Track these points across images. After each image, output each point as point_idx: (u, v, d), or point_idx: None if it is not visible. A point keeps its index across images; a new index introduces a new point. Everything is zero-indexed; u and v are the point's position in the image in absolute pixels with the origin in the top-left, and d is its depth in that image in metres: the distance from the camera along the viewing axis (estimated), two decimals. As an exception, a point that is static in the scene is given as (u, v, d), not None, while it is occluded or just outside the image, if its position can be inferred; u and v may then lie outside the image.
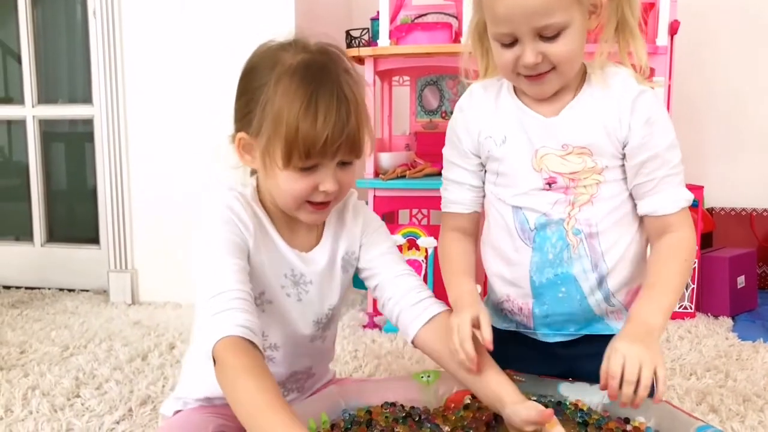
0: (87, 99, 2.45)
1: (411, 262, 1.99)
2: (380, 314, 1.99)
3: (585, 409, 0.94)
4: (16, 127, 2.64)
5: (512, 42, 0.88)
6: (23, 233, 2.61)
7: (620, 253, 0.96)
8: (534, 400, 0.96)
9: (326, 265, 1.00)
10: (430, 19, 2.19)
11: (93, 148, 2.42)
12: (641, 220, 0.98)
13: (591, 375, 0.95)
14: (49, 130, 2.60)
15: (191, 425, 0.96)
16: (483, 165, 1.03)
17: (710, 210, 2.45)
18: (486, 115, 1.00)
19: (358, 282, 1.09)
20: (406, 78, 2.38)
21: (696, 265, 2.05)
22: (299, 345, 1.01)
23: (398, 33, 2.04)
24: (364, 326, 1.96)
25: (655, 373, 0.81)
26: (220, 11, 2.17)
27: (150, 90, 2.27)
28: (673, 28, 1.90)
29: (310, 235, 1.00)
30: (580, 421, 0.90)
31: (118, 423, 1.30)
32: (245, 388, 0.75)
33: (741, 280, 2.12)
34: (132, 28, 2.26)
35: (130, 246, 2.34)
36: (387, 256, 1.03)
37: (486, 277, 1.09)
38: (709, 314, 2.07)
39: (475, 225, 1.07)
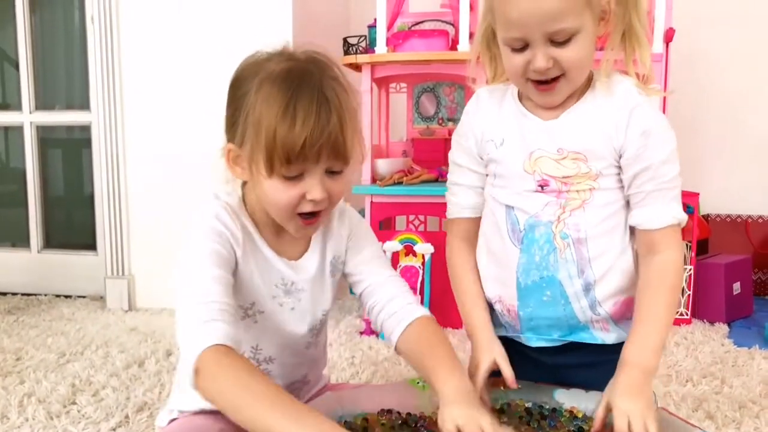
0: (84, 105, 2.45)
1: (408, 269, 2.00)
2: (377, 320, 1.99)
3: (580, 416, 0.94)
4: (13, 133, 2.64)
5: (523, 47, 0.89)
6: (20, 239, 2.61)
7: (610, 262, 0.96)
8: (529, 407, 0.96)
9: (316, 271, 1.00)
10: (426, 26, 2.20)
11: (90, 154, 2.42)
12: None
13: (577, 385, 0.98)
14: (47, 136, 2.60)
15: (196, 429, 0.95)
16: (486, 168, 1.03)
17: (706, 217, 2.45)
18: (489, 119, 1.01)
19: (354, 288, 1.09)
20: (403, 85, 2.39)
21: (692, 271, 2.06)
22: (294, 354, 1.01)
23: (395, 40, 2.05)
24: (361, 333, 1.96)
25: None
26: (218, 18, 2.17)
27: (147, 96, 2.27)
28: (669, 36, 1.91)
29: (299, 243, 0.99)
30: (576, 429, 0.90)
31: (114, 430, 1.30)
32: (249, 384, 0.75)
33: (737, 287, 2.12)
34: (130, 34, 2.26)
35: (127, 252, 2.34)
36: (372, 262, 1.03)
37: None
38: (704, 320, 2.07)
39: (477, 231, 1.06)
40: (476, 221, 1.05)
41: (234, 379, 0.76)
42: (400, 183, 2.02)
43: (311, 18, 2.30)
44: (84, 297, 2.45)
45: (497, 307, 1.05)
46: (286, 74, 0.85)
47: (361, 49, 2.10)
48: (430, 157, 2.21)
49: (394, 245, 1.94)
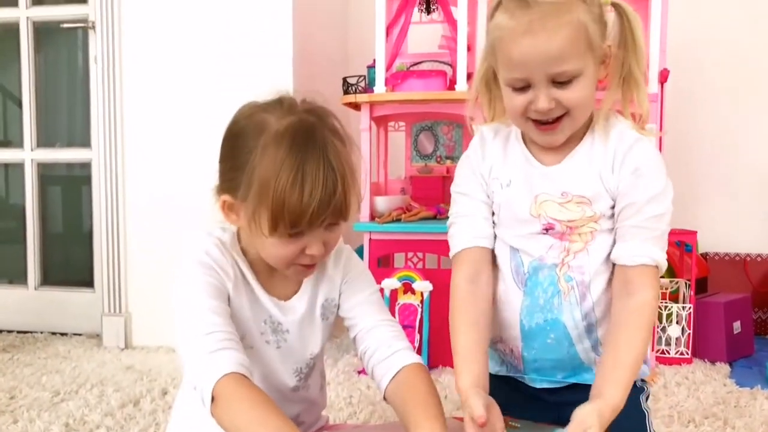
0: (85, 143, 2.47)
1: (406, 306, 1.99)
2: (375, 359, 1.97)
3: None
4: (14, 169, 2.66)
5: (525, 87, 0.89)
6: (17, 276, 2.60)
7: (611, 303, 0.95)
8: None
9: (304, 313, 0.99)
10: (425, 66, 2.24)
11: (89, 192, 2.43)
12: None
13: None
14: (47, 173, 2.62)
15: None
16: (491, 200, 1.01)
17: (704, 255, 2.46)
18: (495, 158, 1.00)
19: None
20: (402, 123, 2.42)
21: (691, 310, 2.05)
22: (281, 395, 0.99)
23: (394, 80, 2.08)
24: (359, 372, 1.94)
25: None
26: (219, 60, 2.21)
27: (148, 135, 2.29)
28: (663, 76, 1.94)
29: (290, 283, 0.99)
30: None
31: (107, 471, 1.28)
32: (266, 420, 0.77)
33: (737, 326, 2.11)
34: (132, 74, 2.29)
35: (125, 289, 2.33)
36: (365, 306, 1.01)
37: None
38: (705, 360, 2.06)
39: (488, 262, 1.00)
40: (486, 252, 0.99)
41: (249, 410, 0.78)
42: (398, 220, 2.02)
43: (311, 59, 2.34)
44: (80, 335, 2.43)
45: (499, 347, 1.04)
46: (292, 135, 0.86)
47: (360, 88, 2.13)
48: (429, 195, 2.22)
49: (392, 283, 1.94)
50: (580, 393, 0.97)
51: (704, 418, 1.54)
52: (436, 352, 1.91)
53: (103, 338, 2.32)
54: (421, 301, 1.93)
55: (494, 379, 1.03)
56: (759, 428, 1.48)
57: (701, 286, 2.28)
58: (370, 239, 2.02)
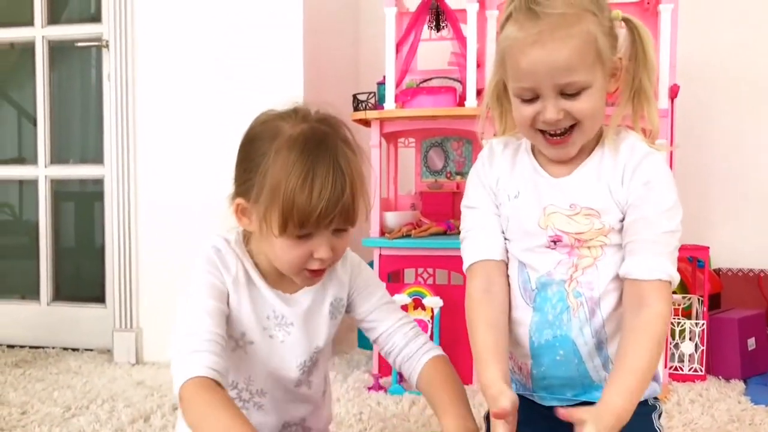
0: (98, 159, 2.49)
1: (417, 322, 1.98)
2: (386, 375, 1.96)
3: None
4: (27, 186, 2.68)
5: (533, 98, 0.89)
6: (30, 292, 2.61)
7: (621, 319, 0.93)
8: None
9: (309, 307, 1.02)
10: (434, 83, 2.25)
11: (102, 207, 2.45)
12: None
13: None
14: (60, 190, 2.64)
15: None
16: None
17: (717, 271, 2.43)
18: (503, 170, 1.00)
19: (363, 342, 1.10)
20: (412, 139, 2.43)
21: (704, 326, 2.03)
22: (285, 390, 1.02)
23: (404, 97, 2.09)
24: (369, 388, 1.93)
25: None
26: (231, 76, 2.23)
27: (160, 152, 2.31)
28: (674, 92, 1.94)
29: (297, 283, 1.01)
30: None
31: (117, 487, 1.28)
32: (216, 419, 0.80)
33: (752, 342, 2.09)
34: (145, 91, 2.32)
35: (136, 305, 2.34)
36: (382, 309, 1.07)
37: None
38: (720, 377, 2.03)
39: (501, 274, 1.00)
40: (499, 265, 0.99)
41: (201, 414, 0.82)
42: (408, 236, 2.02)
43: (321, 75, 2.36)
44: (91, 350, 2.44)
45: (509, 364, 1.02)
46: (304, 142, 0.90)
47: (370, 105, 2.14)
48: (439, 210, 2.22)
49: (402, 298, 1.93)
50: None
51: (719, 436, 1.52)
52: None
53: (114, 353, 2.32)
54: (432, 317, 1.93)
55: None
56: (775, 446, 1.46)
57: (714, 302, 2.26)
58: (380, 255, 2.02)
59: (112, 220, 2.35)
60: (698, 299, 2.07)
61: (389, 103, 2.05)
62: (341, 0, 2.74)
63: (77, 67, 2.71)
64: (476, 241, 1.01)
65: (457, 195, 2.24)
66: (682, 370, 2.03)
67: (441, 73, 2.28)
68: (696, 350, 2.03)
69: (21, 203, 2.79)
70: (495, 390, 0.89)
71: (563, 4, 0.86)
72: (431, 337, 1.90)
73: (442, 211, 2.21)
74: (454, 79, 2.22)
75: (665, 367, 1.91)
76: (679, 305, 2.07)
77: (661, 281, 0.89)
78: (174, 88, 2.29)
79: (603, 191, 0.93)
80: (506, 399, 0.87)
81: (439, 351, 1.05)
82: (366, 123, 2.08)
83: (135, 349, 2.31)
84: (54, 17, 2.55)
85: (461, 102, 2.06)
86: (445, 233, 2.06)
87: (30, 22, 2.53)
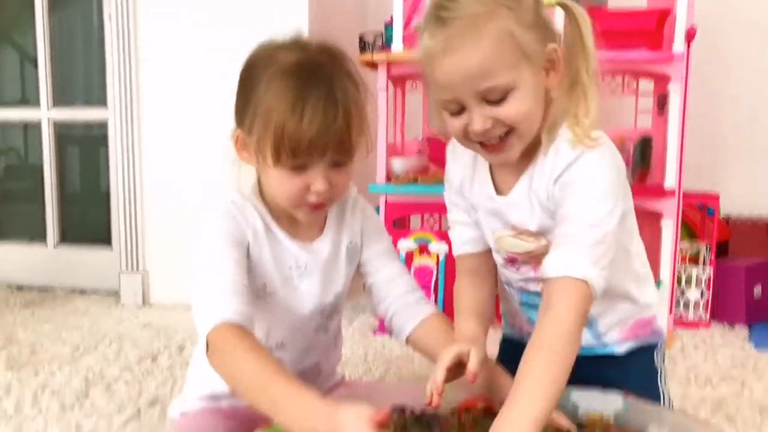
0: (102, 102, 2.46)
1: (422, 268, 1.98)
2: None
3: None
4: (31, 129, 2.67)
5: (459, 110, 0.84)
6: (36, 234, 2.62)
7: (605, 301, 0.92)
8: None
9: (329, 254, 1.01)
10: (444, 24, 2.19)
11: (107, 151, 2.43)
12: (622, 254, 0.90)
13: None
14: (64, 133, 2.62)
15: (200, 429, 0.96)
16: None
17: (726, 218, 2.41)
18: (465, 177, 0.98)
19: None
20: (420, 83, 2.38)
21: (711, 273, 2.03)
22: (304, 338, 1.01)
23: (412, 38, 2.04)
24: (375, 331, 1.94)
25: None
26: (234, 16, 2.18)
27: (164, 93, 2.28)
28: (690, 35, 1.88)
29: (313, 227, 1.01)
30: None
31: (126, 423, 1.30)
32: (248, 364, 0.78)
33: (758, 290, 2.08)
34: (147, 31, 2.27)
35: (142, 247, 2.35)
36: (382, 256, 1.05)
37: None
38: (724, 323, 2.04)
39: (488, 263, 1.01)
40: (481, 255, 1.00)
41: (231, 361, 0.80)
42: (415, 181, 2.00)
43: (327, 15, 2.30)
44: (98, 292, 2.46)
45: (508, 319, 1.07)
46: (297, 68, 0.87)
47: (377, 47, 2.09)
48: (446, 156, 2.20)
49: (408, 244, 1.93)
50: (590, 363, 0.94)
51: (721, 380, 1.53)
52: (452, 313, 1.90)
53: (121, 296, 2.35)
54: (437, 263, 1.92)
55: (508, 341, 1.07)
56: (777, 391, 1.47)
57: (722, 250, 2.25)
58: (386, 201, 2.00)
59: (116, 161, 2.34)
60: (706, 246, 2.06)
61: (397, 45, 2.00)
62: (348, -63, 2.65)
63: (78, 7, 2.65)
64: (456, 234, 1.02)
65: (464, 140, 2.21)
66: (687, 317, 2.04)
67: (450, 14, 2.22)
68: (701, 297, 2.03)
69: (26, 146, 2.78)
70: (464, 338, 0.91)
71: (472, 5, 0.79)
72: (436, 282, 1.90)
73: (449, 156, 2.19)
74: (463, 20, 2.16)
75: (670, 313, 1.92)
76: (685, 252, 2.06)
77: (570, 278, 0.79)
78: (176, 27, 2.24)
79: (535, 212, 0.90)
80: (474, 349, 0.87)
81: (435, 308, 1.03)
82: (373, 65, 2.03)
83: (141, 291, 2.33)
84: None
85: (471, 43, 2.00)
86: (452, 178, 2.03)
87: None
